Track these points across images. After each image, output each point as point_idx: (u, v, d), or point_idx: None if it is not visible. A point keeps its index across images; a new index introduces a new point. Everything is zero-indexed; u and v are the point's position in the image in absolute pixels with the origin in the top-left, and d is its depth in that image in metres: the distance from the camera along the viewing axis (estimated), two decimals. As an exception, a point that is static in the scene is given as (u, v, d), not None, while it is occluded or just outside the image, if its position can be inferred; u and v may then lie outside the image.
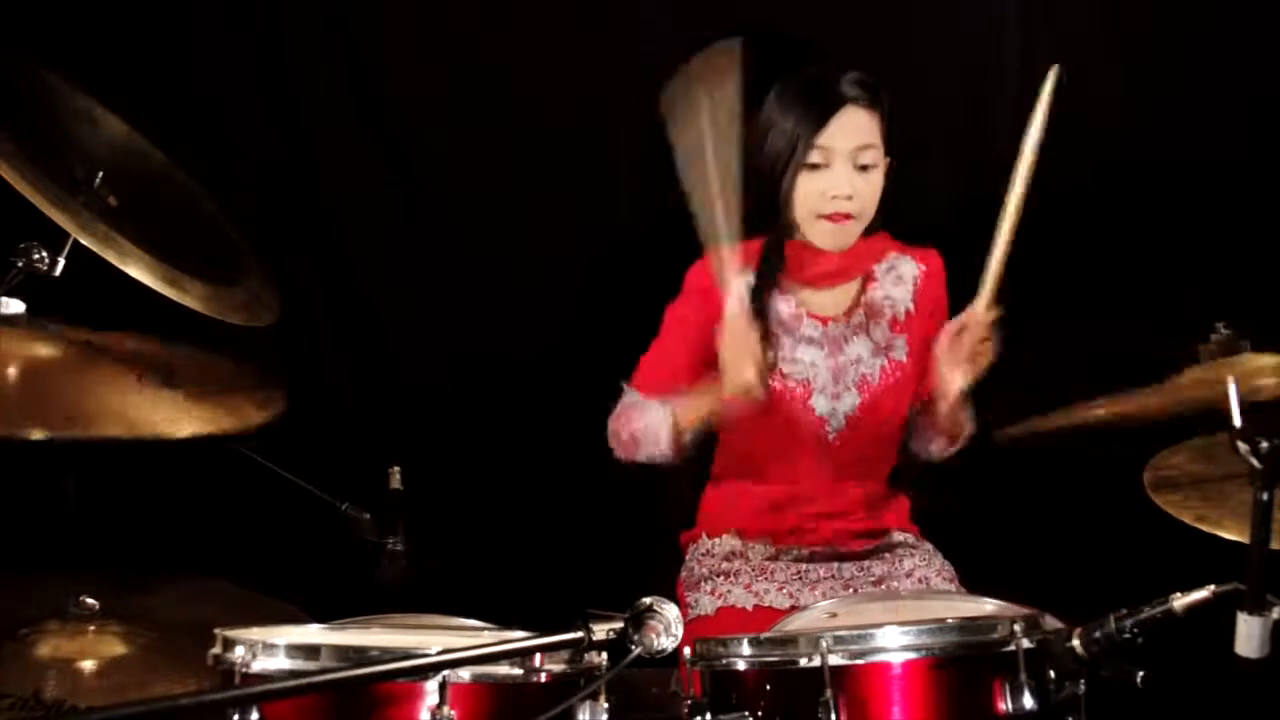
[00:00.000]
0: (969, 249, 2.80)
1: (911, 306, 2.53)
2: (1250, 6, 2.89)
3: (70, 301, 2.00)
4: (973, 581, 2.47)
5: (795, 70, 2.52)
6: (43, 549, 2.71)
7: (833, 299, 2.52)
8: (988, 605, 1.98)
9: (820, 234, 2.44)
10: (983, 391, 2.39)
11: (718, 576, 2.50)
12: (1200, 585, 1.66)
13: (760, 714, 1.75)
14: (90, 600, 2.00)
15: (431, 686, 1.62)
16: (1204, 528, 1.86)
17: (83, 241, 1.99)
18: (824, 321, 2.50)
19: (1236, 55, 2.91)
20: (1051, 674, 1.71)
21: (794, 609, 2.36)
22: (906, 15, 2.92)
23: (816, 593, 2.44)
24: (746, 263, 2.47)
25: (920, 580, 2.46)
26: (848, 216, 2.41)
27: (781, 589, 2.45)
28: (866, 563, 2.51)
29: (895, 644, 1.72)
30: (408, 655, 1.61)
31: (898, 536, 2.57)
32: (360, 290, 3.04)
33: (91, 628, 2.00)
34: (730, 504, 2.58)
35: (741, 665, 1.79)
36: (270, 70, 2.92)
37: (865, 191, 2.42)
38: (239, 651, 1.67)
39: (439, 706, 1.61)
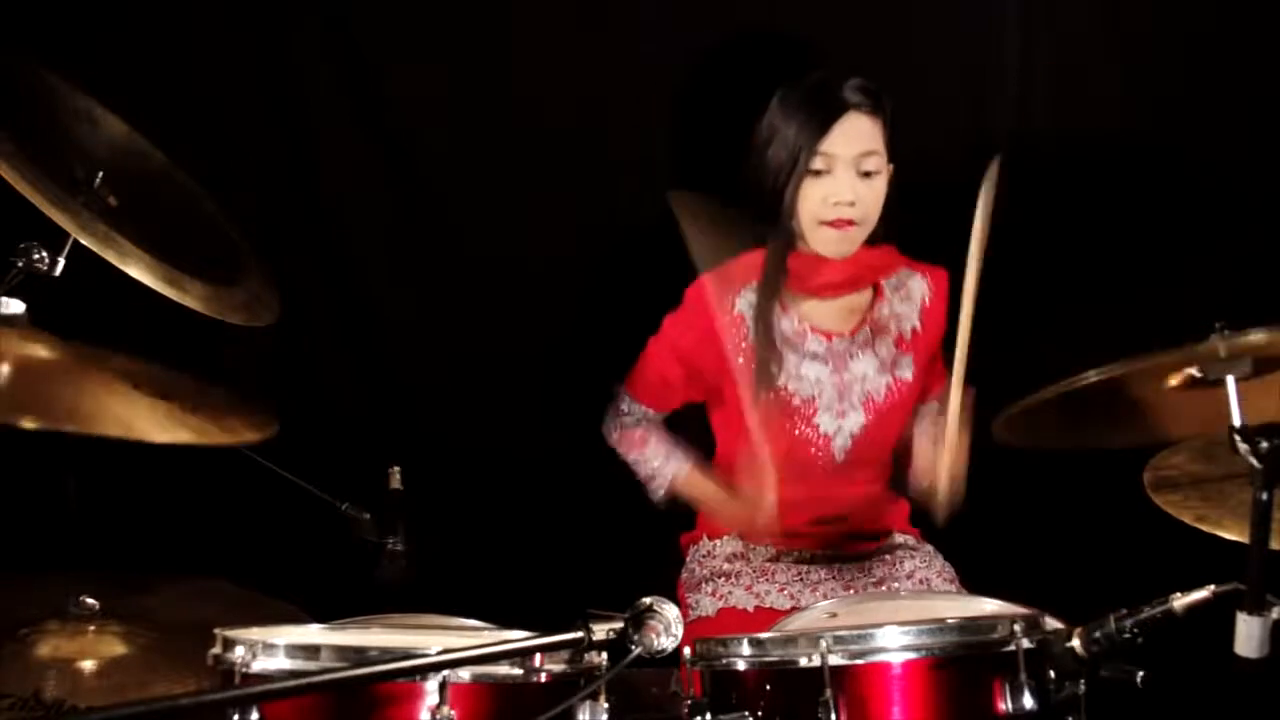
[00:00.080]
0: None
1: (919, 325, 2.53)
2: (1250, 6, 2.89)
3: (70, 302, 2.00)
4: (973, 582, 2.47)
5: (797, 76, 2.52)
6: (43, 549, 2.71)
7: (838, 315, 2.52)
8: (988, 605, 1.98)
9: (823, 241, 2.43)
10: (982, 392, 2.40)
11: (719, 578, 2.50)
12: (1200, 585, 1.66)
13: (760, 714, 1.75)
14: (90, 600, 2.00)
15: (431, 686, 1.62)
16: (1204, 528, 1.86)
17: (83, 241, 1.99)
18: (828, 337, 2.49)
19: (1236, 55, 2.90)
20: (1051, 674, 1.71)
21: (795, 610, 2.37)
22: (906, 15, 2.92)
23: (817, 594, 2.44)
24: (749, 276, 2.47)
25: (921, 581, 2.46)
26: (850, 223, 2.40)
27: (782, 590, 2.46)
28: (867, 564, 2.52)
29: (895, 644, 1.72)
30: (408, 655, 1.61)
31: (898, 538, 2.58)
32: (360, 290, 3.04)
33: (91, 628, 2.00)
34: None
35: (741, 665, 1.79)
36: (270, 70, 2.91)
37: (868, 198, 2.41)
38: (239, 651, 1.67)
39: (439, 706, 1.61)
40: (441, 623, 1.92)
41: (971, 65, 2.96)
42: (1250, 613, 1.61)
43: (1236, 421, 1.65)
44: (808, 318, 2.49)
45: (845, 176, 2.39)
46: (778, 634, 1.88)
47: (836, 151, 2.38)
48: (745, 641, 1.80)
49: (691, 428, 2.66)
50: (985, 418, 2.39)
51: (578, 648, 1.65)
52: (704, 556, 2.58)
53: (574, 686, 1.68)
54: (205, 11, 2.87)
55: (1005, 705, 1.70)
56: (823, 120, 2.38)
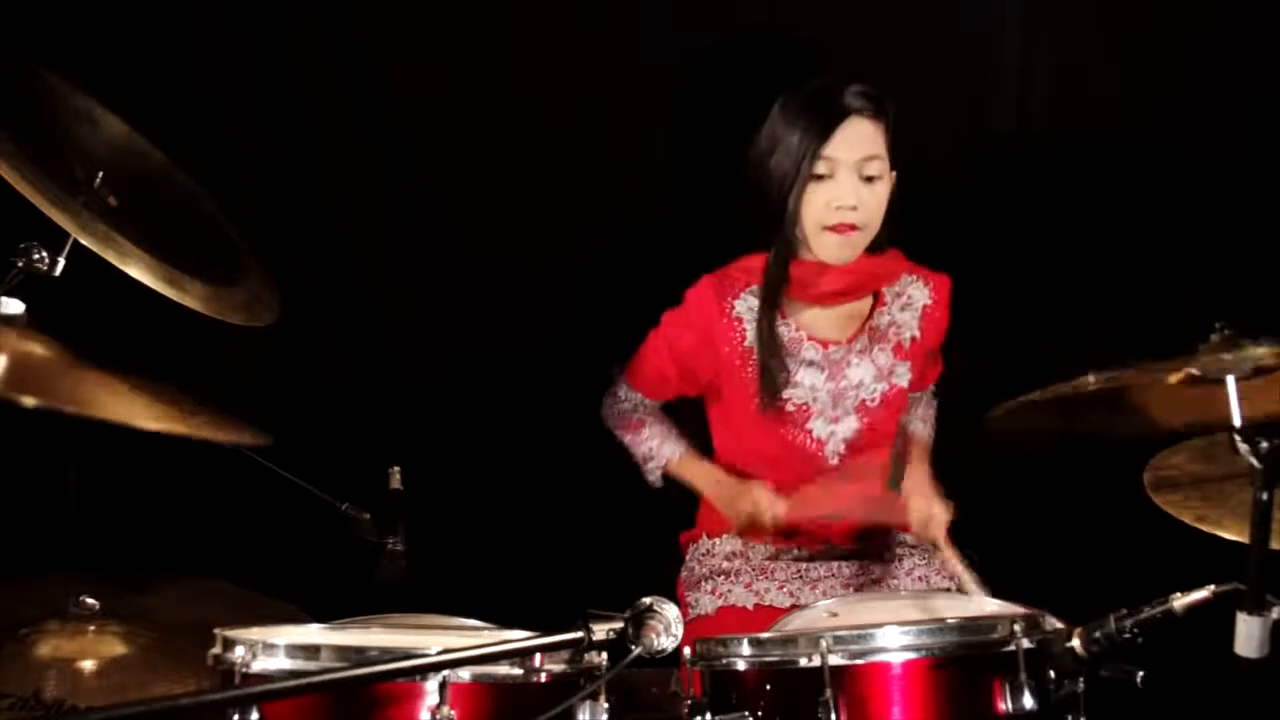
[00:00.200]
0: (969, 249, 2.81)
1: (918, 333, 2.53)
2: (1250, 6, 2.89)
3: (70, 302, 2.00)
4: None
5: (798, 77, 2.52)
6: (43, 549, 2.71)
7: (836, 323, 2.52)
8: (988, 605, 1.98)
9: (826, 246, 2.43)
10: (982, 392, 2.40)
11: (718, 576, 2.50)
12: (1200, 585, 1.66)
13: (760, 714, 1.75)
14: (90, 600, 2.00)
15: (431, 686, 1.62)
16: (1204, 528, 1.86)
17: (83, 241, 1.99)
18: (825, 345, 2.49)
19: (1236, 55, 2.90)
20: (1051, 674, 1.71)
21: (795, 608, 2.37)
22: (906, 16, 2.92)
23: (817, 592, 2.44)
24: (750, 279, 2.47)
25: (920, 579, 2.47)
26: (853, 228, 2.40)
27: (782, 588, 2.46)
28: (866, 562, 2.52)
29: (895, 644, 1.72)
30: (408, 655, 1.61)
31: (897, 536, 2.58)
32: (360, 290, 3.04)
33: (91, 628, 2.00)
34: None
35: (741, 665, 1.79)
36: (270, 70, 2.91)
37: (870, 202, 2.41)
38: (239, 651, 1.67)
39: (439, 706, 1.61)
40: (441, 623, 1.92)
41: (971, 65, 2.96)
42: (1250, 613, 1.61)
43: (1237, 422, 1.65)
44: (806, 325, 2.49)
45: (848, 181, 2.39)
46: (778, 634, 1.88)
47: (838, 156, 2.38)
48: (745, 641, 1.80)
49: (691, 425, 2.67)
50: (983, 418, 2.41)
51: (578, 648, 1.65)
52: (703, 555, 2.58)
53: (574, 686, 1.68)
54: (205, 11, 2.87)
55: (1005, 705, 1.70)
56: (824, 125, 2.38)
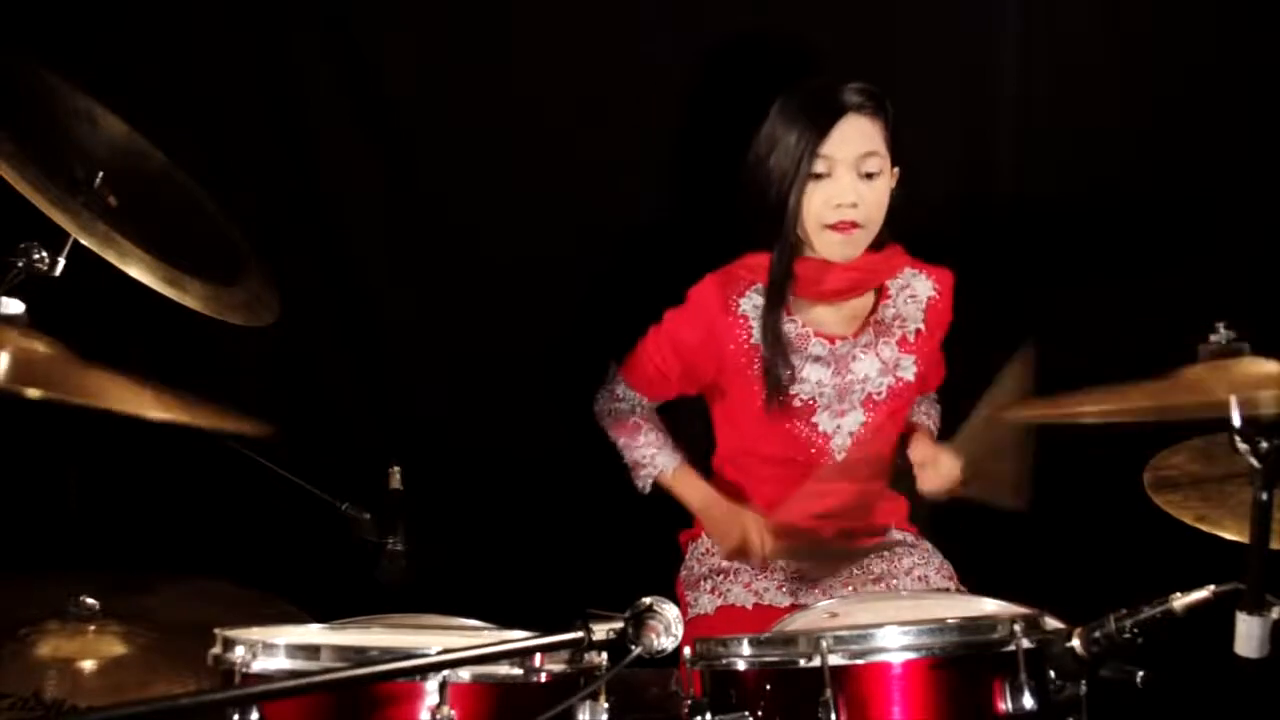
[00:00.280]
0: (969, 251, 2.81)
1: (923, 326, 2.53)
2: (1250, 6, 2.89)
3: (70, 302, 2.00)
4: (973, 581, 2.47)
5: (797, 76, 2.52)
6: (43, 549, 2.71)
7: (841, 318, 2.52)
8: (988, 605, 1.98)
9: (828, 245, 2.43)
10: (978, 394, 2.40)
11: (718, 575, 2.50)
12: (1200, 585, 1.66)
13: (760, 714, 1.75)
14: (90, 600, 2.00)
15: (431, 686, 1.62)
16: (1204, 528, 1.86)
17: (83, 241, 1.99)
18: (831, 340, 2.49)
19: (1236, 55, 2.90)
20: (1051, 674, 1.71)
21: (794, 607, 2.37)
22: (906, 16, 2.92)
23: (816, 591, 2.44)
24: (754, 277, 2.47)
25: (920, 578, 2.47)
26: (854, 225, 2.40)
27: (781, 587, 2.46)
28: (866, 561, 2.52)
29: (895, 644, 1.72)
30: (408, 655, 1.61)
31: (896, 535, 2.58)
32: (360, 290, 3.04)
33: (91, 628, 2.00)
34: (730, 504, 2.58)
35: (741, 665, 1.79)
36: (270, 70, 2.91)
37: (870, 199, 2.41)
38: (239, 651, 1.67)
39: (439, 706, 1.61)
40: (442, 623, 1.92)
41: (971, 65, 2.96)
42: (1250, 613, 1.61)
43: (1237, 422, 1.65)
44: (811, 321, 2.49)
45: (846, 178, 2.39)
46: (778, 634, 1.88)
47: (836, 154, 2.38)
48: (745, 641, 1.80)
49: (693, 424, 2.67)
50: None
51: (578, 648, 1.65)
52: (703, 554, 2.58)
53: (574, 686, 1.68)
54: (205, 11, 2.87)
55: (1005, 705, 1.70)
56: (822, 123, 2.38)
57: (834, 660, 1.71)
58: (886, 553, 2.53)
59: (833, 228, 2.40)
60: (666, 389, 2.59)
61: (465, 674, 1.64)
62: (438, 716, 1.60)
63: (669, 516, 2.68)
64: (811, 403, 2.47)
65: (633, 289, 2.88)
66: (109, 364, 1.69)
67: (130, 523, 2.86)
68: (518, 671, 1.67)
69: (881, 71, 2.54)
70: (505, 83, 2.92)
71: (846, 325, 2.52)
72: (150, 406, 1.62)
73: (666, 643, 1.62)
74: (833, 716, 1.68)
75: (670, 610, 1.63)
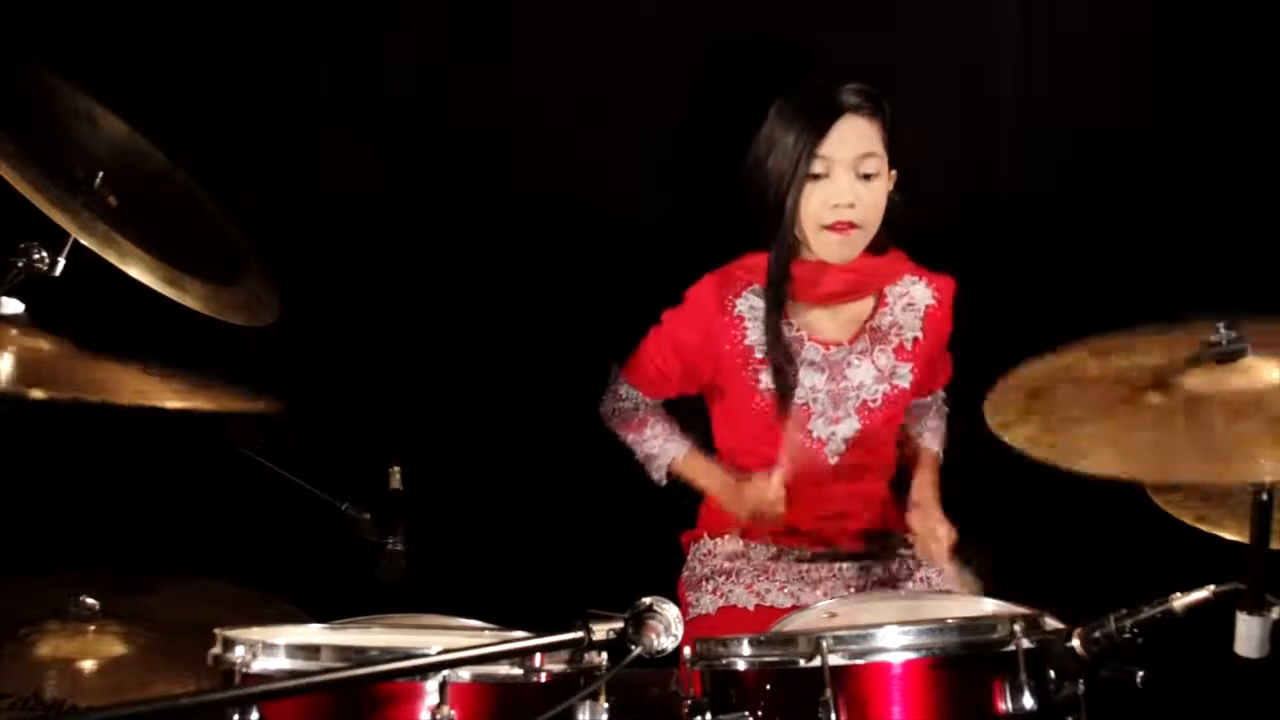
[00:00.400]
0: (969, 250, 2.81)
1: (920, 334, 2.53)
2: (1250, 6, 2.89)
3: (70, 302, 2.00)
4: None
5: (797, 77, 2.52)
6: (43, 549, 2.71)
7: (838, 323, 2.52)
8: (988, 605, 1.98)
9: (826, 245, 2.43)
10: (978, 395, 2.39)
11: (719, 576, 2.50)
12: (1200, 585, 1.66)
13: (760, 714, 1.75)
14: (90, 600, 2.00)
15: (431, 686, 1.62)
16: (1204, 528, 1.86)
17: (83, 241, 1.99)
18: (826, 346, 2.49)
19: (1236, 55, 2.90)
20: (1051, 674, 1.71)
21: (795, 608, 2.37)
22: (906, 16, 2.92)
23: (818, 592, 2.44)
24: (752, 277, 2.47)
25: (921, 580, 2.47)
26: (852, 225, 2.40)
27: (783, 589, 2.46)
28: (867, 563, 2.52)
29: (895, 644, 1.72)
30: (408, 655, 1.62)
31: (899, 537, 2.58)
32: (360, 290, 3.04)
33: (91, 628, 2.00)
34: (731, 505, 2.58)
35: (741, 665, 1.79)
36: (270, 70, 2.91)
37: (868, 200, 2.41)
38: (239, 651, 1.67)
39: (439, 706, 1.61)
40: (442, 623, 1.92)
41: (971, 65, 2.96)
42: (1250, 613, 1.61)
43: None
44: (807, 326, 2.49)
45: (844, 178, 2.39)
46: (778, 634, 1.88)
47: (834, 154, 2.38)
48: (745, 641, 1.80)
49: (694, 422, 2.67)
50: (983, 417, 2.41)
51: (578, 648, 1.65)
52: (704, 555, 2.58)
53: (574, 686, 1.68)
54: (205, 11, 2.87)
55: (1005, 705, 1.70)
56: (820, 124, 2.38)
57: (834, 660, 1.71)
58: (888, 554, 2.53)
59: (830, 228, 2.40)
60: (667, 388, 2.60)
61: (465, 674, 1.64)
62: (438, 716, 1.60)
63: (670, 517, 2.68)
64: (806, 408, 2.48)
65: (632, 289, 2.88)
66: (114, 353, 1.69)
67: (130, 523, 2.86)
68: (518, 671, 1.67)
69: (881, 71, 2.54)
70: (505, 83, 2.92)
71: (843, 331, 2.52)
72: (162, 396, 1.62)
73: (666, 643, 1.62)
74: (833, 716, 1.68)
75: (670, 610, 1.63)
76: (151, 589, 2.14)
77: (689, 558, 2.63)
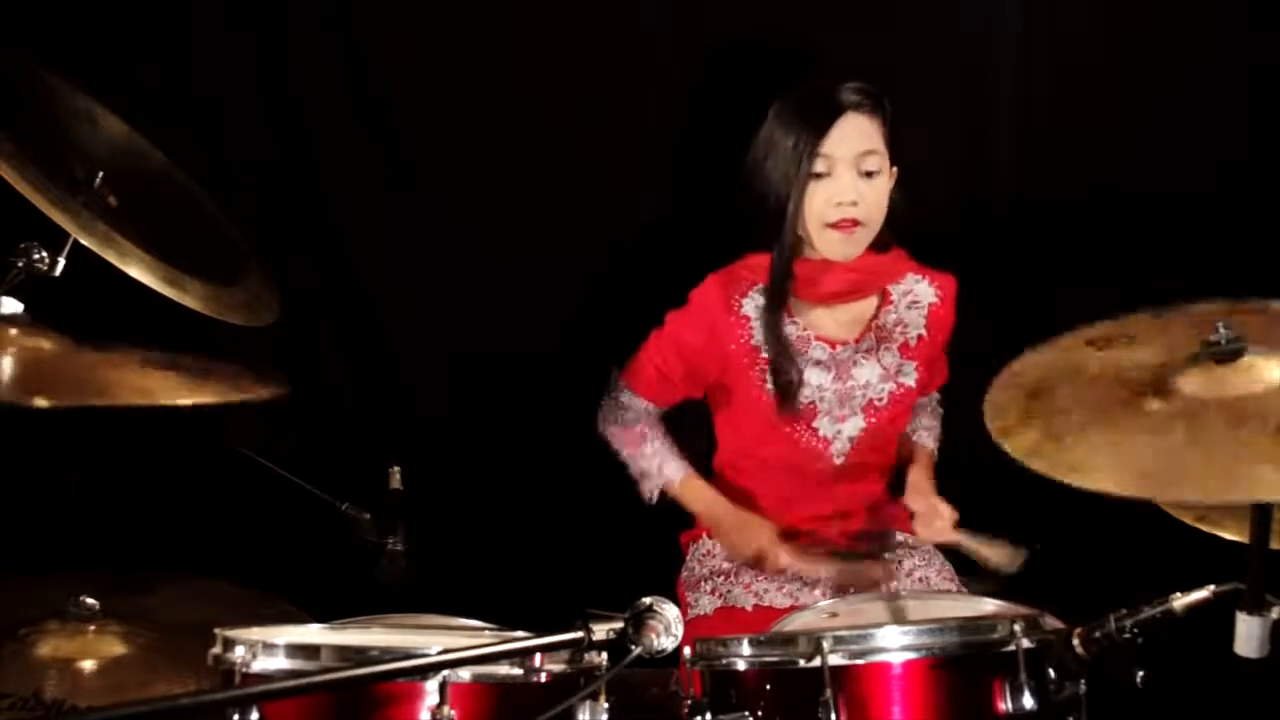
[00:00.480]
0: (969, 250, 2.81)
1: (924, 332, 2.53)
2: (1250, 6, 2.89)
3: (70, 302, 2.00)
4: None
5: (796, 76, 2.51)
6: (43, 549, 2.71)
7: (843, 322, 2.51)
8: (988, 605, 1.99)
9: (829, 244, 2.43)
10: (977, 395, 2.39)
11: (717, 576, 2.50)
12: (1200, 585, 1.66)
13: (760, 714, 1.75)
14: (90, 600, 2.00)
15: (431, 686, 1.62)
16: (1204, 528, 1.86)
17: (83, 241, 1.99)
18: (833, 345, 2.49)
19: (1236, 55, 2.90)
20: (1051, 674, 1.71)
21: (794, 608, 2.37)
22: (906, 16, 2.92)
23: (816, 593, 2.44)
24: (756, 277, 2.47)
25: (921, 580, 2.47)
26: (855, 223, 2.40)
27: (781, 589, 2.46)
28: (865, 563, 2.51)
29: (895, 644, 1.72)
30: (408, 655, 1.62)
31: (897, 538, 2.57)
32: (360, 290, 3.04)
33: (91, 628, 2.00)
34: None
35: (741, 665, 1.79)
36: (270, 70, 2.91)
37: (870, 198, 2.41)
38: (239, 651, 1.67)
39: (439, 706, 1.61)
40: (442, 623, 1.92)
41: (971, 65, 2.96)
42: (1250, 613, 1.61)
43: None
44: (812, 325, 2.49)
45: (846, 176, 2.39)
46: (778, 634, 1.88)
47: (836, 152, 2.38)
48: (745, 641, 1.80)
49: (694, 441, 2.67)
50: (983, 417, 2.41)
51: (578, 648, 1.65)
52: (703, 555, 2.58)
53: (574, 686, 1.68)
54: (205, 11, 2.87)
55: (1005, 705, 1.70)
56: (821, 123, 2.38)
57: (834, 660, 1.71)
58: (888, 554, 2.53)
59: (834, 226, 2.40)
60: (671, 392, 2.58)
61: (465, 674, 1.64)
62: (438, 716, 1.61)
63: (670, 517, 2.68)
64: (812, 407, 2.47)
65: (633, 289, 2.88)
66: (113, 347, 1.68)
67: (130, 523, 2.86)
68: (518, 671, 1.67)
69: (881, 71, 2.54)
70: (505, 83, 2.92)
71: (848, 330, 2.51)
72: (165, 393, 1.61)
73: (666, 643, 1.62)
74: (833, 716, 1.68)
75: (670, 610, 1.63)
76: (151, 589, 2.14)
77: (688, 558, 2.63)
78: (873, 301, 2.53)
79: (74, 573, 2.11)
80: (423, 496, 2.28)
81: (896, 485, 2.59)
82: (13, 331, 1.65)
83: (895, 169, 2.44)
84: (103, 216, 2.06)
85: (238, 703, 1.60)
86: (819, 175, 2.39)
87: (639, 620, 1.62)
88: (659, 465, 2.56)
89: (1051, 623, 1.76)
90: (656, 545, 2.71)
